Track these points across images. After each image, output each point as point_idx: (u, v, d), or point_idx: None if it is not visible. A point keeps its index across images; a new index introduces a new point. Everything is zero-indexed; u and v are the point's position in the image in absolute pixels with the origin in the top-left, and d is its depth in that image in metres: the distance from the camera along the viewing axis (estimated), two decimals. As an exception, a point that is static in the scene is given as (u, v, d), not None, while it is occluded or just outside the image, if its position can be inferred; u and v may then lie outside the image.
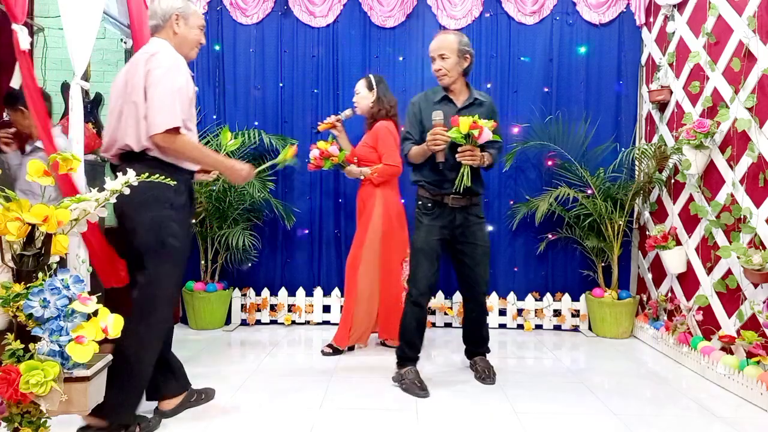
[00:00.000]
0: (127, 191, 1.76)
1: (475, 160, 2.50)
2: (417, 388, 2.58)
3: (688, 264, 3.24)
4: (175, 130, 2.02)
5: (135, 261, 2.09)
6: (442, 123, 2.52)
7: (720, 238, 2.95)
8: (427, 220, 2.69)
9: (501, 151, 2.68)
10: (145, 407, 2.33)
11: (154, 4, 2.22)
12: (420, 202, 2.75)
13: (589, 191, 3.76)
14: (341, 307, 3.54)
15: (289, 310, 3.97)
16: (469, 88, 2.75)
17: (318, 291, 3.96)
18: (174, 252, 2.09)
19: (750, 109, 2.76)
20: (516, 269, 3.97)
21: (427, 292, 2.71)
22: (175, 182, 2.14)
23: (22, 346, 1.51)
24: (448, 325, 3.88)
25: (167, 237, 2.06)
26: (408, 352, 2.73)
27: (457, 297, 3.84)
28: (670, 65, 3.51)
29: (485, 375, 2.76)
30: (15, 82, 3.52)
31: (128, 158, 2.06)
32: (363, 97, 3.32)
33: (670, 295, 3.44)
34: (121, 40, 3.90)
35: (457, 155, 2.51)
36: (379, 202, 3.24)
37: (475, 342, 2.91)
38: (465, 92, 2.73)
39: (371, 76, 3.36)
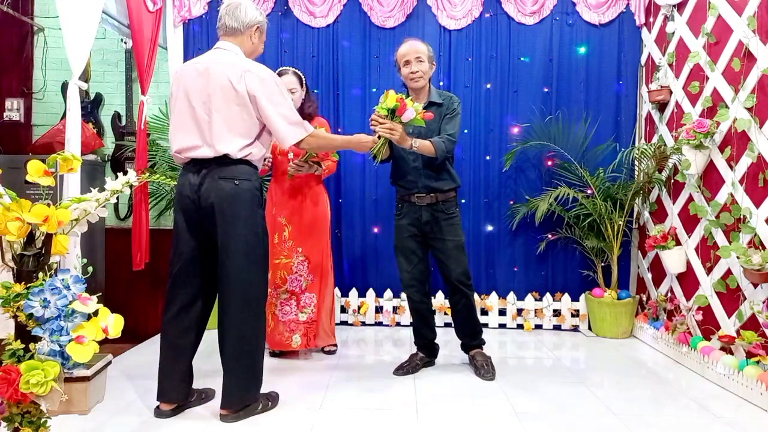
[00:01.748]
0: (127, 191, 1.76)
1: (393, 136, 2.53)
2: (398, 367, 2.88)
3: (688, 264, 3.25)
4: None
5: (232, 256, 2.16)
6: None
7: (720, 238, 2.95)
8: (398, 220, 2.90)
9: (449, 146, 2.71)
10: (146, 405, 2.34)
11: (238, 10, 2.25)
12: (396, 203, 2.93)
13: (589, 191, 3.76)
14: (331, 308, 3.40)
15: (289, 310, 3.97)
16: (430, 91, 2.83)
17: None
18: (267, 246, 2.30)
19: (750, 109, 2.76)
20: (516, 269, 3.97)
21: (414, 284, 2.88)
22: (176, 183, 2.17)
23: (23, 346, 1.52)
24: (447, 325, 3.87)
25: (264, 234, 2.27)
26: (415, 338, 3.00)
27: (457, 297, 3.84)
28: (670, 65, 3.51)
29: (484, 369, 2.78)
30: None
31: (220, 162, 2.17)
32: (297, 93, 3.04)
33: (669, 295, 3.44)
34: (122, 40, 3.90)
35: (375, 125, 2.55)
36: (324, 199, 3.22)
37: (467, 334, 2.95)
38: (426, 95, 2.82)
39: (297, 70, 3.13)
